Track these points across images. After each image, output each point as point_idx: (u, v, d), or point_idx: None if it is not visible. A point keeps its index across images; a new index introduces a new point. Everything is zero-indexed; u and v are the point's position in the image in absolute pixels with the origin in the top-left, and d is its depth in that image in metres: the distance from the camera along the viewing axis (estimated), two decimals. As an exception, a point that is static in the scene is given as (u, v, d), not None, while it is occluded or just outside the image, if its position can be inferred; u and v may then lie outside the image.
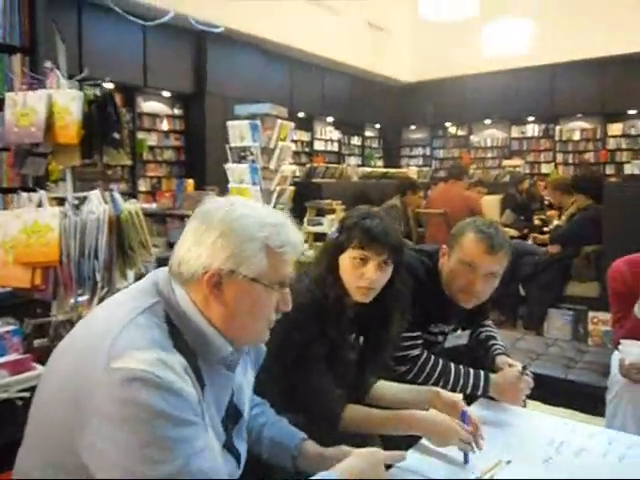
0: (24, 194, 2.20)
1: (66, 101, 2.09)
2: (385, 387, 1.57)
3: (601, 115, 10.86)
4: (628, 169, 9.88)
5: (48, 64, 2.29)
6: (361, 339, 1.53)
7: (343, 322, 1.42)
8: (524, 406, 1.75)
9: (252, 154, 4.47)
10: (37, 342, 2.12)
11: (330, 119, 11.84)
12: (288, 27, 8.63)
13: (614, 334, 2.20)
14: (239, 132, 4.51)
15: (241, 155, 4.53)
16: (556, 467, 1.32)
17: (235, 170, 4.43)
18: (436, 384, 1.67)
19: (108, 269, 2.11)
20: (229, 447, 1.02)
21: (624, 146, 10.72)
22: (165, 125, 8.66)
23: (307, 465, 1.17)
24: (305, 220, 5.45)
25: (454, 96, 11.68)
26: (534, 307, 3.99)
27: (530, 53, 8.91)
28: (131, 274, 2.22)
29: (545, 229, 5.38)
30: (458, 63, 10.94)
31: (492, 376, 1.70)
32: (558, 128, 11.46)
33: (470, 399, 1.69)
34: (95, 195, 2.22)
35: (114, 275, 2.13)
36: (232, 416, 1.05)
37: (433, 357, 1.73)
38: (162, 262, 1.09)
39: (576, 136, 11.27)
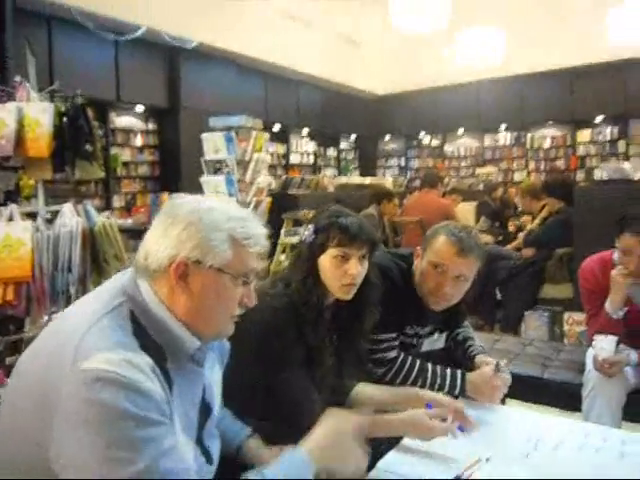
0: (-6, 208, 2.17)
1: (36, 113, 2.08)
2: (364, 390, 1.57)
3: (570, 123, 11.13)
4: (598, 174, 10.12)
5: (18, 78, 2.28)
6: (334, 337, 1.53)
7: (321, 326, 1.42)
8: (503, 404, 1.77)
9: (227, 166, 4.47)
10: (10, 359, 2.08)
11: (305, 131, 11.90)
12: (262, 41, 8.68)
13: (588, 331, 2.24)
14: (214, 145, 4.51)
15: (216, 167, 4.52)
16: (535, 462, 1.34)
17: (211, 183, 4.42)
18: (414, 385, 1.68)
19: (82, 282, 2.09)
20: (200, 445, 1.02)
21: (593, 152, 10.99)
22: (139, 140, 8.61)
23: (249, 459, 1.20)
24: (282, 231, 5.46)
25: (428, 107, 11.87)
26: (510, 310, 4.04)
27: (501, 63, 9.12)
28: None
29: (520, 234, 5.46)
30: (431, 74, 11.13)
31: (469, 375, 1.72)
32: (529, 136, 11.71)
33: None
34: (68, 208, 2.20)
35: (88, 288, 2.11)
36: (203, 413, 1.05)
37: (410, 358, 1.74)
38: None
39: (547, 144, 11.53)
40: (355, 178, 10.04)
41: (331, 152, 13.07)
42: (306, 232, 1.43)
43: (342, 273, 1.40)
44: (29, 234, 2.02)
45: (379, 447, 1.38)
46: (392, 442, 1.41)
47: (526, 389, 1.79)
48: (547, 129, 11.55)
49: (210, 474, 1.04)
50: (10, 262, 1.99)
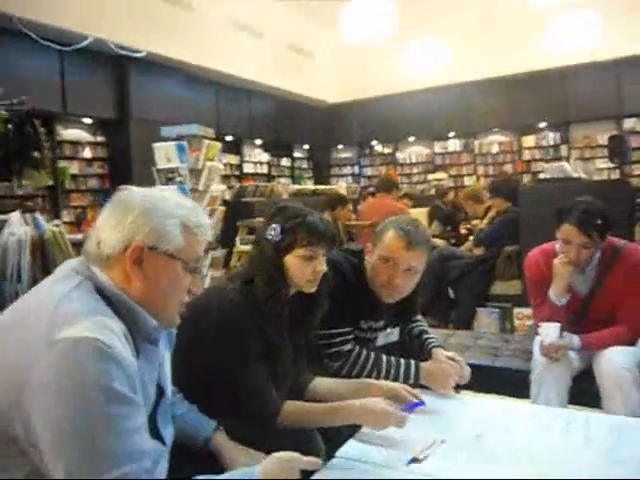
0: (-64, 218, 2.10)
1: (-21, 120, 2.03)
2: (321, 383, 1.60)
3: (515, 129, 11.57)
4: (542, 177, 10.51)
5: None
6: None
7: (283, 321, 1.45)
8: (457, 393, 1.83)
9: (180, 175, 4.43)
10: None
11: (258, 141, 11.92)
12: (211, 51, 8.67)
13: (534, 319, 2.34)
14: (165, 154, 4.47)
15: (169, 177, 4.48)
16: (488, 442, 1.40)
17: (163, 192, 4.38)
18: (369, 376, 1.72)
19: (32, 290, 2.04)
20: (153, 426, 1.02)
21: (538, 157, 11.45)
22: (88, 152, 8.42)
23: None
24: (237, 239, 5.44)
25: (379, 116, 12.09)
26: (463, 308, 4.14)
27: (447, 72, 9.40)
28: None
29: (471, 237, 5.62)
30: (381, 83, 11.34)
31: (422, 364, 1.77)
32: (477, 142, 12.10)
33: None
34: (15, 217, 2.16)
35: (39, 296, 2.06)
36: (157, 394, 1.06)
37: (365, 350, 1.78)
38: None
39: (494, 149, 11.94)
40: (309, 186, 10.11)
41: (285, 162, 13.12)
42: (272, 231, 1.45)
43: (310, 270, 1.45)
44: (-26, 243, 1.96)
45: (341, 438, 1.41)
46: (351, 432, 1.45)
47: (478, 378, 1.85)
48: (494, 135, 11.96)
49: (165, 461, 1.03)
50: (-45, 273, 1.94)
